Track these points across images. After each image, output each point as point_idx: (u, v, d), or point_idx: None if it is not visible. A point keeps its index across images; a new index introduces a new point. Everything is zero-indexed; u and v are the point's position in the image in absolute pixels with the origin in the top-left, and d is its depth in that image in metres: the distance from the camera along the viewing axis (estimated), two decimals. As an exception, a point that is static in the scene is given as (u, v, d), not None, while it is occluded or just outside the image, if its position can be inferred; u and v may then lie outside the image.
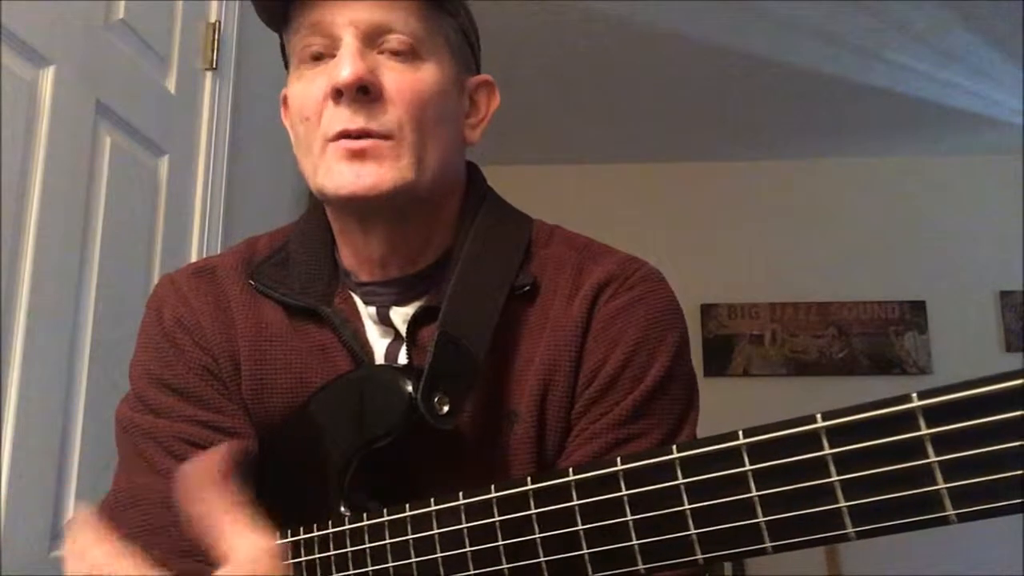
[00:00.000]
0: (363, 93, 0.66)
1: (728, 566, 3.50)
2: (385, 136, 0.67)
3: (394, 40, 0.68)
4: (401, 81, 0.68)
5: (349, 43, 0.67)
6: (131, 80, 1.43)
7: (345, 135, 0.66)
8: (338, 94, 0.66)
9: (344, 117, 0.66)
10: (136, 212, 1.44)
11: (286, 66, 0.76)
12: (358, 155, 0.66)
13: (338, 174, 0.67)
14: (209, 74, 1.68)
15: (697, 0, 2.74)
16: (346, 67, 0.65)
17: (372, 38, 0.68)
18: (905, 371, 3.94)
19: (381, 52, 0.68)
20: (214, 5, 1.71)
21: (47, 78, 1.20)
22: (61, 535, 1.20)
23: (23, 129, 1.15)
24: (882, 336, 3.99)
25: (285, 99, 0.77)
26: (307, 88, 0.69)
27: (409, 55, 0.69)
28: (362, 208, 0.69)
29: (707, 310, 4.04)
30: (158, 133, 1.50)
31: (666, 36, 2.98)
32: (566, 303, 0.72)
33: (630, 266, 0.74)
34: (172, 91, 1.56)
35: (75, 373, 1.25)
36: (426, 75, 0.69)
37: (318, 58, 0.69)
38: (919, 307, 3.99)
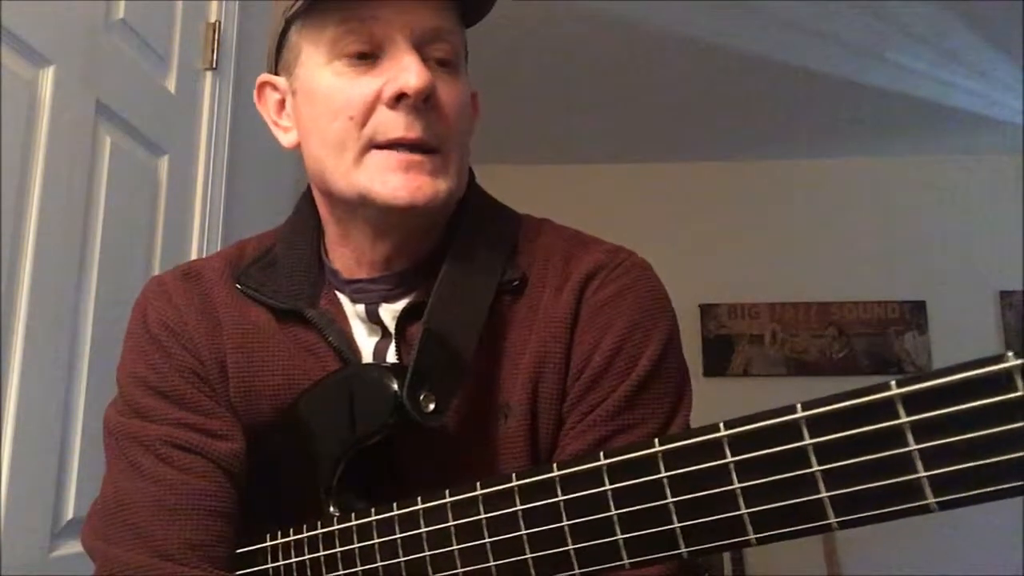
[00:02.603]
0: (426, 102, 0.66)
1: (728, 565, 3.50)
2: (434, 148, 0.67)
3: (440, 50, 0.68)
4: (450, 93, 0.68)
5: (409, 48, 0.66)
6: (131, 80, 1.43)
7: (401, 143, 0.66)
8: (399, 99, 0.65)
9: (402, 124, 0.65)
10: (136, 212, 1.44)
11: (278, 50, 0.73)
12: (417, 167, 0.66)
13: (396, 184, 0.66)
14: (209, 74, 1.68)
15: (697, 0, 2.74)
16: (418, 75, 0.64)
17: (421, 45, 0.67)
18: (905, 371, 3.93)
19: (427, 60, 0.67)
20: (214, 5, 1.71)
21: (47, 78, 1.20)
22: (61, 535, 1.20)
23: (23, 129, 1.15)
24: (882, 336, 3.99)
25: (263, 86, 0.76)
26: (350, 86, 0.67)
27: (451, 65, 0.69)
28: (408, 217, 0.68)
29: (707, 310, 4.03)
30: (158, 133, 1.50)
31: (666, 36, 2.98)
32: (555, 294, 0.71)
33: (617, 255, 0.73)
34: (172, 91, 1.56)
35: (75, 373, 1.25)
36: (462, 87, 0.70)
37: (362, 57, 0.67)
38: (919, 307, 3.99)
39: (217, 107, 1.68)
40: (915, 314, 3.99)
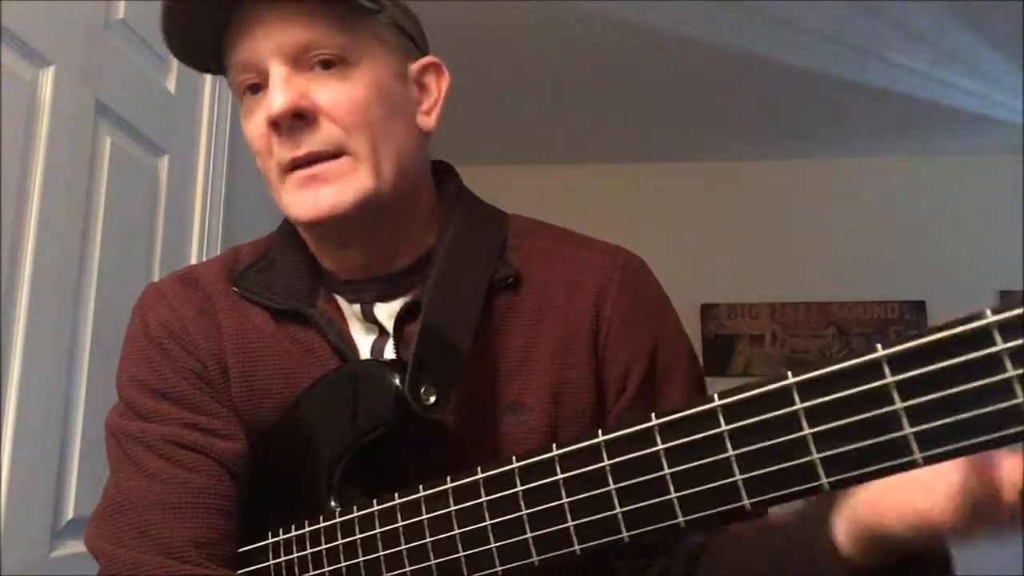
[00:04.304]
0: (299, 119, 0.67)
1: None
2: (335, 154, 0.68)
3: (321, 55, 0.68)
4: (335, 95, 0.68)
5: (276, 72, 0.67)
6: (131, 80, 1.43)
7: (296, 164, 0.68)
8: (276, 125, 0.67)
9: (288, 147, 0.68)
10: (136, 212, 1.44)
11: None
12: (314, 180, 0.68)
13: (300, 202, 0.68)
14: (209, 74, 1.68)
15: (697, 0, 2.74)
16: (276, 98, 0.66)
17: (298, 58, 0.68)
18: (905, 371, 3.93)
19: (312, 68, 0.68)
20: (214, 5, 1.70)
21: (47, 78, 1.20)
22: (61, 535, 1.20)
23: (23, 129, 1.15)
24: (882, 336, 3.99)
25: None
26: (252, 123, 0.70)
27: (339, 64, 0.69)
28: (330, 229, 0.71)
29: (707, 310, 4.04)
30: (158, 133, 1.50)
31: (666, 36, 2.98)
32: (566, 298, 0.73)
33: (619, 257, 0.77)
34: (172, 91, 1.56)
35: (75, 373, 1.25)
36: (360, 79, 0.69)
37: (256, 89, 0.70)
38: (919, 307, 3.99)
39: (217, 107, 1.68)
40: (915, 314, 3.99)
